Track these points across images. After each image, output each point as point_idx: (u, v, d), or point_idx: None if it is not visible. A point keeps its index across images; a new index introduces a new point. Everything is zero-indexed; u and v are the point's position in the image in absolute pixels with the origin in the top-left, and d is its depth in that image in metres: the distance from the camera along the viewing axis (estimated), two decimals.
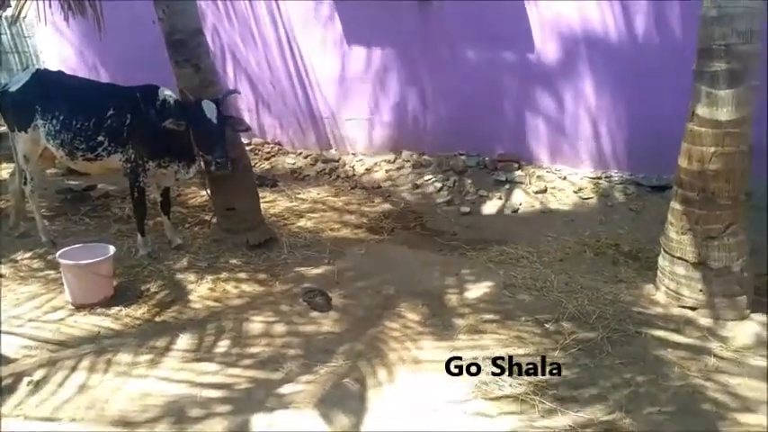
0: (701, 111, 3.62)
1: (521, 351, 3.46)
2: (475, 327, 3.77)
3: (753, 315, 3.83)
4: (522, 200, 6.10)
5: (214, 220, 5.28)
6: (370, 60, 7.04)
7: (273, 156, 7.92)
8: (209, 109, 4.31)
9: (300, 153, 7.82)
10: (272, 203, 6.24)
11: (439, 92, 6.78)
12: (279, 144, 8.12)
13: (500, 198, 6.16)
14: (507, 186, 6.30)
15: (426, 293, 4.20)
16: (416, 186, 6.60)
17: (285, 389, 3.22)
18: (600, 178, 6.16)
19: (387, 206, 6.18)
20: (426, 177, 6.66)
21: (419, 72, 6.83)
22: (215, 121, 4.32)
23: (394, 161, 7.06)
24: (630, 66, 5.77)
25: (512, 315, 3.88)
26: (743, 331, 3.70)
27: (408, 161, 6.99)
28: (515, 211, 5.96)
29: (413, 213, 6.01)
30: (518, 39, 6.16)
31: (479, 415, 2.95)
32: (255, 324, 3.86)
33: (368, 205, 6.22)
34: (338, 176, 7.15)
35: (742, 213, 3.75)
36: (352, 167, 7.21)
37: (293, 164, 7.65)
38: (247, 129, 5.01)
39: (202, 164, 4.63)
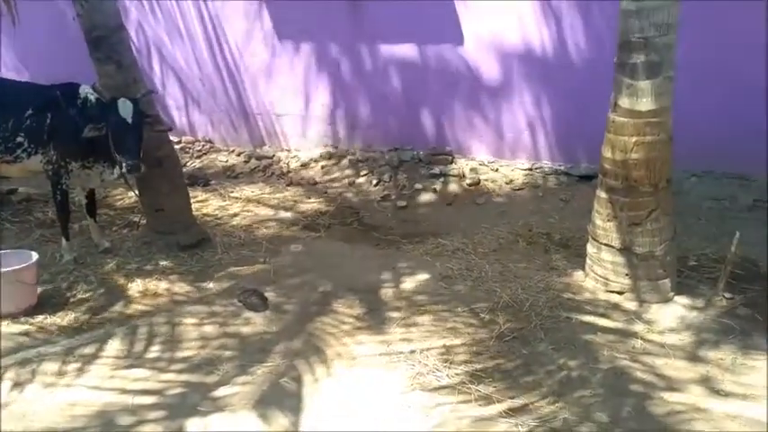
0: (623, 102, 3.74)
1: (457, 341, 3.50)
2: (412, 319, 3.79)
3: (676, 297, 4.00)
4: (456, 192, 6.17)
5: (143, 221, 5.11)
6: (302, 56, 6.96)
7: (205, 154, 7.74)
8: (125, 108, 4.16)
9: (233, 150, 7.67)
10: (205, 203, 6.09)
11: (372, 88, 6.78)
12: (210, 142, 7.94)
13: (435, 191, 6.22)
14: (442, 180, 6.36)
15: (364, 288, 4.19)
16: (352, 182, 6.58)
17: (220, 391, 3.16)
18: (531, 169, 6.30)
19: (323, 203, 6.14)
20: (362, 173, 6.64)
21: (352, 68, 6.80)
22: (130, 120, 4.16)
23: (329, 157, 7.01)
24: (557, 59, 5.91)
25: (448, 306, 3.93)
26: (667, 313, 3.86)
27: (344, 157, 6.96)
28: (450, 203, 6.03)
29: (349, 209, 5.99)
30: (447, 34, 6.21)
31: (417, 407, 2.97)
32: (189, 327, 3.77)
33: (304, 202, 6.16)
34: (273, 174, 7.05)
35: (664, 200, 3.89)
36: (287, 164, 7.12)
37: (226, 162, 7.49)
38: (169, 129, 4.87)
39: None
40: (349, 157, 6.91)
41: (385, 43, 6.53)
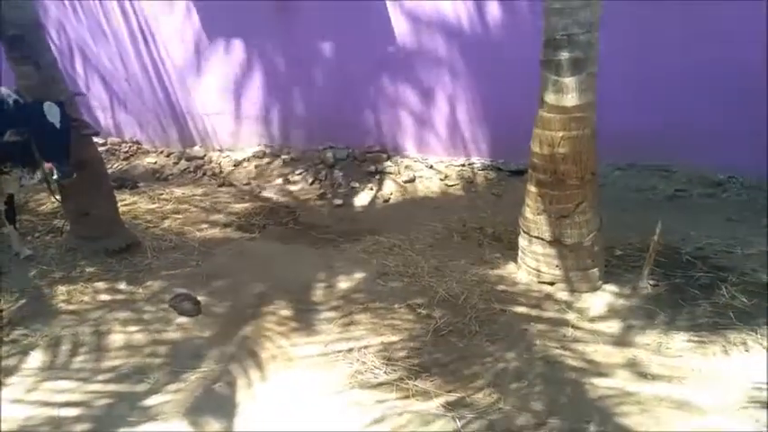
0: (549, 98, 3.83)
1: (395, 338, 3.51)
2: (349, 318, 3.78)
3: (605, 286, 4.13)
4: (392, 190, 6.20)
5: (67, 227, 4.89)
6: (232, 54, 6.83)
7: (132, 155, 7.49)
8: (52, 112, 3.96)
9: (162, 152, 7.45)
10: (133, 206, 5.89)
11: (305, 86, 6.72)
12: (138, 143, 7.69)
13: (371, 189, 6.22)
14: (378, 177, 6.38)
15: (300, 288, 4.15)
16: (288, 181, 6.51)
17: (151, 400, 3.06)
18: (464, 165, 6.39)
19: (257, 203, 6.04)
20: (297, 172, 6.58)
21: (284, 66, 6.72)
22: (58, 125, 3.97)
23: (263, 156, 6.91)
24: (487, 56, 6.01)
25: (385, 303, 3.93)
26: (596, 301, 3.99)
27: (278, 156, 6.87)
28: (386, 201, 6.04)
29: (285, 209, 5.92)
30: (378, 33, 6.23)
31: (355, 405, 2.96)
32: (117, 335, 3.63)
33: (237, 203, 6.05)
34: (204, 174, 6.89)
35: (590, 192, 4.01)
36: (219, 164, 6.98)
37: (154, 163, 7.27)
38: (96, 133, 4.67)
39: (46, 171, 4.25)
40: (283, 156, 6.83)
41: (317, 41, 6.48)
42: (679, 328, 3.64)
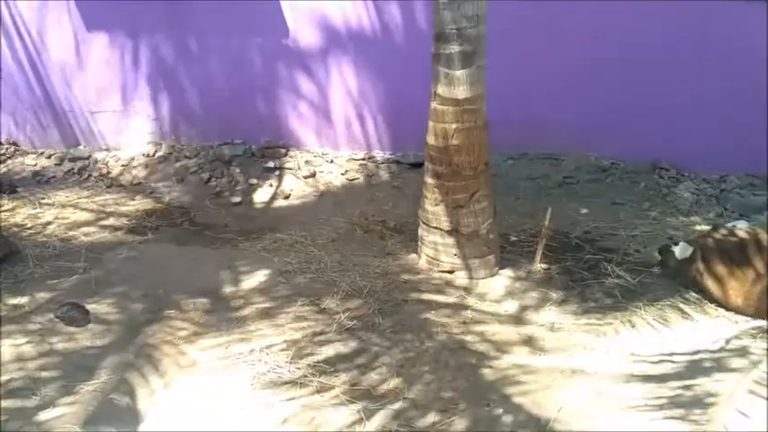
0: (442, 90, 3.91)
1: (298, 335, 3.47)
2: (252, 317, 3.70)
3: (501, 271, 4.30)
4: (292, 185, 6.12)
5: None
6: (117, 50, 6.47)
7: (10, 158, 6.95)
8: None
9: (42, 153, 6.96)
10: (12, 212, 5.47)
11: (197, 81, 6.49)
12: (15, 144, 7.14)
13: (271, 185, 6.11)
14: (277, 173, 6.27)
15: (200, 290, 4.01)
16: (181, 180, 6.27)
17: (43, 416, 2.85)
18: (364, 159, 6.42)
19: (149, 203, 5.78)
20: (192, 170, 6.35)
21: (175, 61, 6.45)
22: None
23: (154, 155, 6.61)
24: (384, 50, 6.06)
25: (288, 300, 3.88)
26: (494, 286, 4.14)
27: (170, 154, 6.60)
28: (287, 197, 5.96)
29: (180, 209, 5.70)
30: (271, 26, 6.12)
31: (260, 406, 2.90)
32: (3, 348, 3.35)
33: (128, 204, 5.76)
34: (90, 176, 6.50)
35: (484, 182, 4.15)
36: (106, 165, 6.61)
37: (35, 165, 6.77)
38: None
39: None
40: (176, 153, 6.57)
41: (209, 35, 6.27)
42: (570, 308, 3.85)
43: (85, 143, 6.93)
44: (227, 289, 4.06)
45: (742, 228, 4.09)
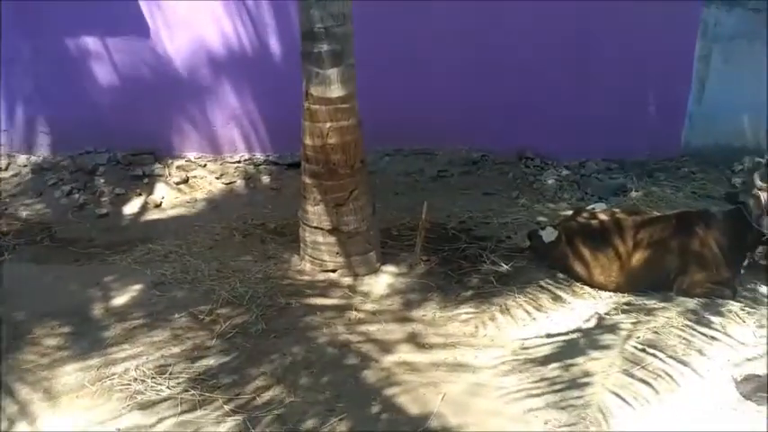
0: (315, 90, 3.88)
1: (176, 349, 3.31)
2: (125, 335, 3.48)
3: (383, 267, 4.34)
4: (164, 193, 5.83)
5: None
6: None
7: None
8: None
9: None
10: None
11: (53, 85, 5.98)
12: None
13: (140, 194, 5.79)
14: (146, 181, 5.95)
15: (65, 311, 3.72)
16: (40, 194, 5.77)
17: None
18: (239, 162, 6.26)
19: (2, 221, 5.27)
20: (51, 182, 5.86)
21: (25, 65, 5.91)
22: None
23: (6, 168, 6.05)
24: (256, 52, 5.95)
25: (164, 314, 3.70)
26: (377, 283, 4.17)
27: (26, 165, 6.07)
28: (158, 205, 5.67)
29: (39, 225, 5.23)
30: (131, 26, 5.80)
31: (136, 428, 2.73)
32: None
33: None
34: None
35: (361, 179, 4.17)
36: None
37: None
38: None
39: None
40: (31, 165, 6.05)
41: (64, 35, 5.83)
42: (450, 299, 3.96)
43: None
44: (96, 307, 3.79)
45: (601, 210, 4.40)
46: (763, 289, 4.01)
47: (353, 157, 4.07)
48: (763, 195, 3.76)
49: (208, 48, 5.94)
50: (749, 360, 3.28)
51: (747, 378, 3.09)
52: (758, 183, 3.86)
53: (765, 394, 2.97)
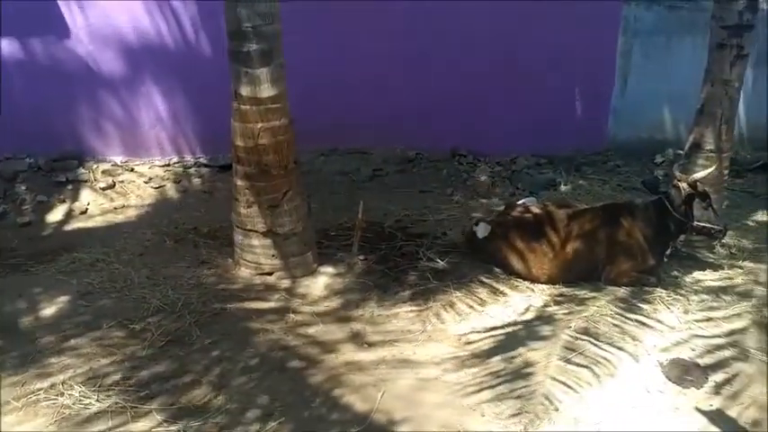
0: (244, 90, 3.81)
1: (106, 361, 3.18)
2: (51, 349, 3.31)
3: (321, 268, 4.31)
4: (90, 199, 5.60)
5: None
6: None
7: None
8: None
9: None
10: None
11: None
12: None
13: (64, 201, 5.54)
14: (70, 187, 5.70)
15: None
16: None
17: None
18: (169, 165, 6.09)
19: None
20: None
21: None
22: None
23: None
24: (183, 53, 5.80)
25: (92, 325, 3.54)
26: (315, 284, 4.14)
27: None
28: (84, 212, 5.44)
29: None
30: (48, 26, 5.55)
31: None
32: None
33: None
34: None
35: (295, 180, 4.12)
36: None
37: None
38: None
39: None
40: None
41: None
42: (389, 296, 3.97)
43: None
44: (19, 321, 3.60)
45: (532, 204, 4.51)
46: (687, 276, 4.21)
47: (286, 158, 4.02)
48: (683, 186, 3.95)
49: (131, 48, 5.75)
50: (675, 345, 3.43)
51: (673, 362, 3.25)
52: (678, 174, 4.06)
53: (689, 377, 3.12)
